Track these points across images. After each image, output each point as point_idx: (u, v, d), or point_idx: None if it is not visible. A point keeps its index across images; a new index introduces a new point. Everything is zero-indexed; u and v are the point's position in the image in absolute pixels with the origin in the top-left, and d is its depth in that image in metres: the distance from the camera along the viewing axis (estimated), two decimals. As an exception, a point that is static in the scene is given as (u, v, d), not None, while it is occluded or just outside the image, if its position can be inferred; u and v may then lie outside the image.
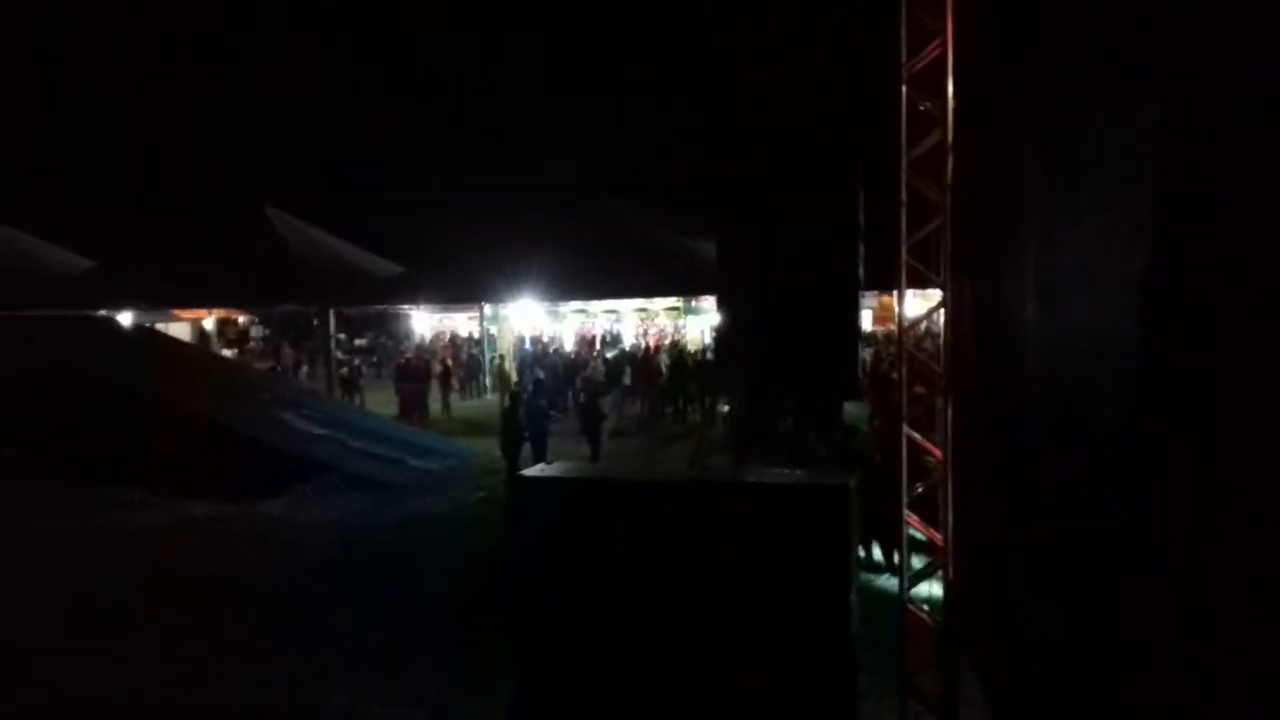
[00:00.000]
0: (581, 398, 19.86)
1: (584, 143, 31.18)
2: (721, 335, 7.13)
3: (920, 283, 6.50)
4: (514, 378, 23.97)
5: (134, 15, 36.62)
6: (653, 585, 5.41)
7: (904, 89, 6.38)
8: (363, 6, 37.16)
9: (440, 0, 36.16)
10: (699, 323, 31.23)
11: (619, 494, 5.72)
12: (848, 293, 6.33)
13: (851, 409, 12.78)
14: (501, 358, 28.08)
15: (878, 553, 10.78)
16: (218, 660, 8.53)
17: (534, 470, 6.22)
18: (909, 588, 6.67)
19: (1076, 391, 4.06)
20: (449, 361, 28.08)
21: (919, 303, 8.03)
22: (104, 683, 8.09)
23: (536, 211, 25.62)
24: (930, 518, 6.51)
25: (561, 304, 31.18)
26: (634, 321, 34.52)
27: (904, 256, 6.38)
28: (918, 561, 6.95)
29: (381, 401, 25.35)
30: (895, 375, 7.39)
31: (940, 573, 6.52)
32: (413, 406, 24.36)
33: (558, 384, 24.11)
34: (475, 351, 30.97)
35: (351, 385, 26.43)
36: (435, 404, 25.22)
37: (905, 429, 6.52)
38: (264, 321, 41.20)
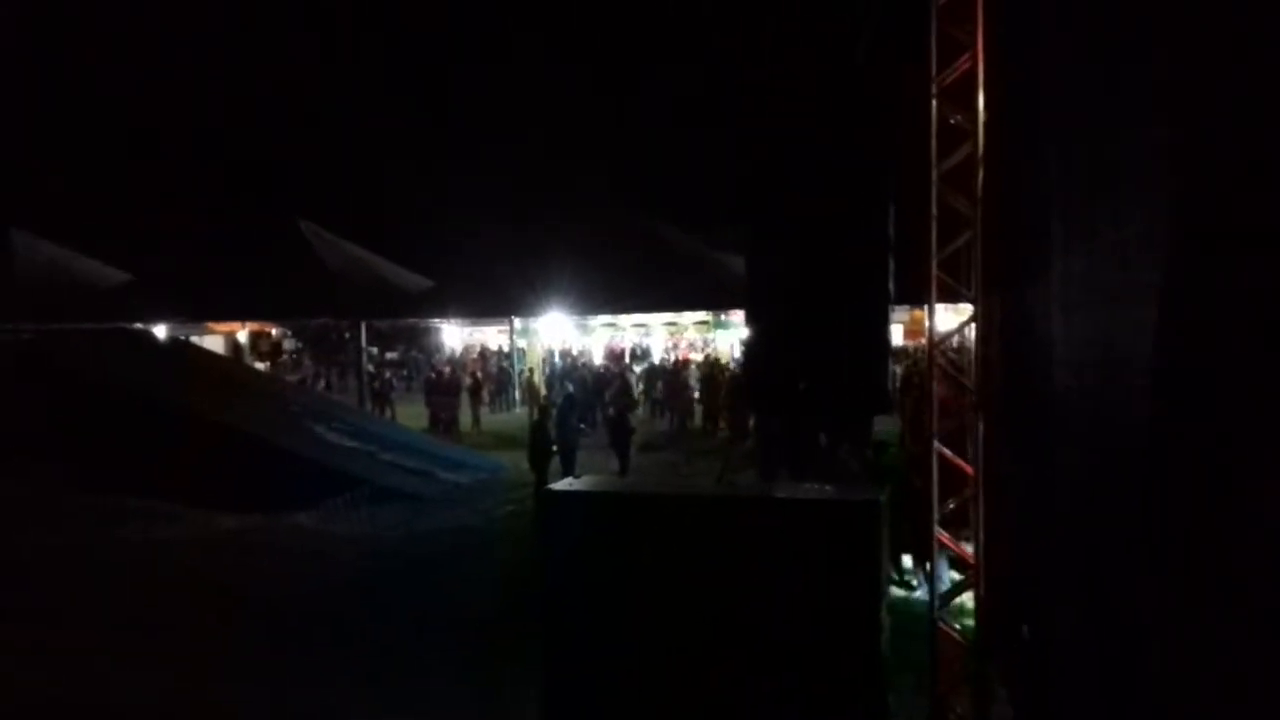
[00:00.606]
0: (610, 412, 19.86)
1: (613, 157, 31.27)
2: (751, 349, 7.11)
3: (951, 297, 6.46)
4: (543, 391, 24.03)
5: (166, 29, 37.17)
6: (681, 600, 5.38)
7: (934, 102, 6.36)
8: (396, 21, 37.49)
9: (467, 15, 36.39)
10: (728, 337, 31.19)
11: (647, 508, 5.70)
12: (878, 307, 6.30)
13: (883, 424, 12.68)
14: (531, 371, 28.17)
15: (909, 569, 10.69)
16: (247, 669, 8.57)
17: (562, 484, 6.22)
18: (940, 605, 6.60)
19: (1099, 405, 4.06)
20: (479, 375, 28.19)
21: (950, 317, 7.97)
22: (133, 688, 8.14)
23: (566, 225, 25.71)
24: (961, 534, 6.44)
25: (590, 318, 31.22)
26: (663, 335, 34.50)
27: (934, 270, 6.34)
28: (949, 578, 6.88)
29: (412, 415, 25.47)
30: (926, 390, 7.33)
31: (972, 590, 6.45)
32: (443, 420, 24.47)
33: (587, 398, 24.13)
34: (504, 365, 31.10)
35: (383, 398, 26.60)
36: (465, 417, 25.32)
37: (936, 445, 6.46)
38: (296, 334, 41.58)
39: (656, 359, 31.67)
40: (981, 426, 6.32)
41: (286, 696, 8.06)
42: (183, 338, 29.83)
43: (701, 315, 31.54)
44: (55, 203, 32.42)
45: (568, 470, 15.26)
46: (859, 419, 11.17)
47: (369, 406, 25.87)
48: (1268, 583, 2.49)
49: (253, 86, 37.23)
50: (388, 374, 30.42)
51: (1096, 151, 4.09)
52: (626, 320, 32.84)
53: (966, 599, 6.64)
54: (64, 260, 30.01)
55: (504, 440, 21.93)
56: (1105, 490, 3.92)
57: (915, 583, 10.47)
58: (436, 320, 34.15)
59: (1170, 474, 3.14)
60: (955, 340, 8.10)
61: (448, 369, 28.31)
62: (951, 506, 6.54)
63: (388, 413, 25.74)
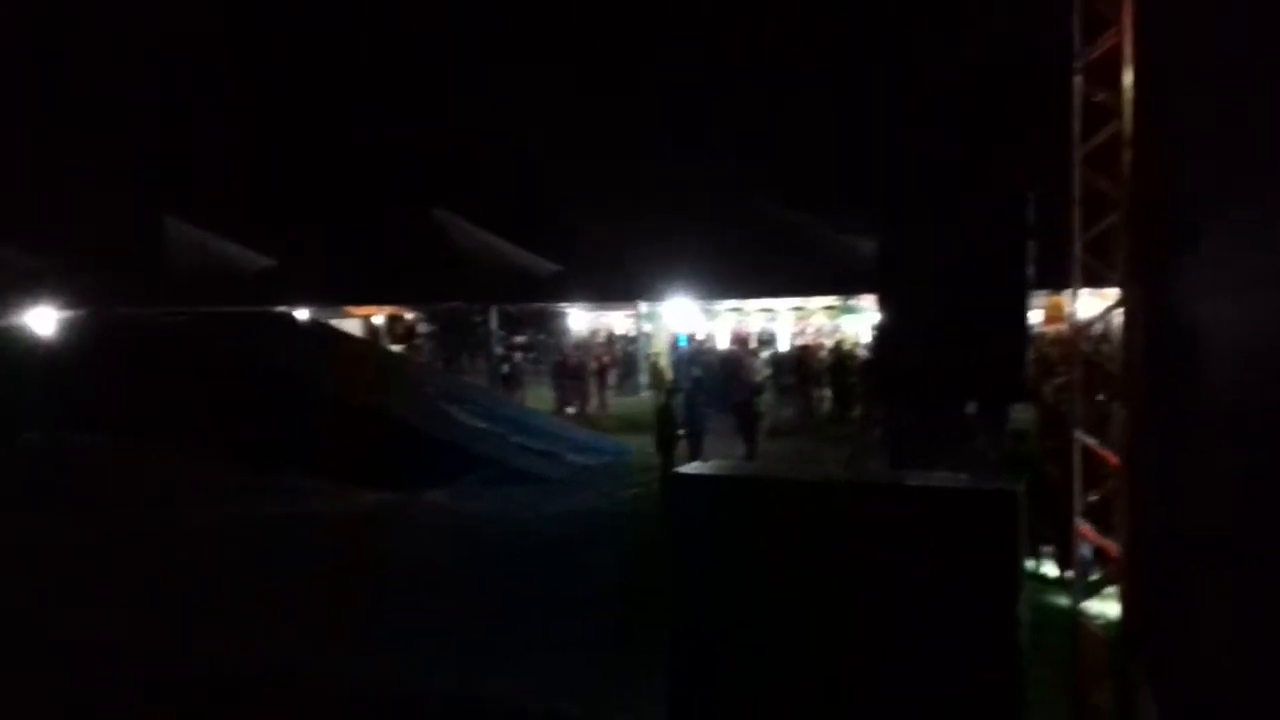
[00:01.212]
0: (738, 396, 19.81)
1: (741, 139, 31.11)
2: (882, 335, 6.98)
3: (1096, 281, 6.22)
4: (669, 375, 24.10)
5: (312, 21, 38.59)
6: (809, 588, 5.34)
7: (1077, 80, 6.12)
8: (526, 11, 38.05)
9: (598, 3, 36.66)
10: (856, 322, 30.64)
11: (776, 492, 5.67)
12: (1016, 292, 6.10)
13: (1021, 413, 12.31)
14: (657, 355, 28.28)
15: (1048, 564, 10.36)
16: (379, 641, 8.91)
17: (690, 467, 6.24)
18: (1081, 601, 6.39)
19: (1260, 396, 3.85)
20: (605, 359, 28.44)
21: (1095, 302, 7.67)
22: (293, 655, 8.57)
23: (692, 209, 25.70)
24: (1105, 527, 6.22)
25: (716, 303, 31.13)
26: (789, 320, 34.15)
27: (1078, 254, 6.12)
28: (1092, 574, 6.65)
29: (540, 398, 25.91)
30: (1067, 378, 7.09)
31: (1115, 585, 6.23)
32: (570, 403, 24.81)
33: (714, 383, 24.11)
34: (630, 349, 31.29)
35: (513, 381, 27.11)
36: (591, 401, 25.61)
37: (1078, 434, 6.24)
38: (430, 318, 42.71)
39: (783, 344, 31.38)
40: (1127, 416, 6.08)
41: (416, 668, 8.33)
42: (323, 321, 31.01)
43: (829, 300, 31.07)
44: (206, 191, 34.14)
45: (694, 455, 15.30)
46: (996, 407, 10.86)
47: (497, 389, 26.42)
48: None
49: (387, 77, 38.40)
50: (518, 357, 30.98)
51: (1250, 128, 3.87)
52: (752, 305, 32.59)
53: (1109, 593, 6.41)
54: (213, 246, 31.52)
55: (629, 424, 22.09)
56: (1267, 486, 3.72)
57: (1055, 577, 10.15)
58: (563, 304, 34.58)
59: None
60: (1099, 326, 7.81)
61: (575, 353, 28.68)
62: (1094, 498, 6.31)
63: (517, 395, 26.24)
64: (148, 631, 9.05)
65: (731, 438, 17.86)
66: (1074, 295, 6.32)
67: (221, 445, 15.57)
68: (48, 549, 11.50)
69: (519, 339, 38.73)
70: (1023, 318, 6.32)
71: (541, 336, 40.39)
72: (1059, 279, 6.50)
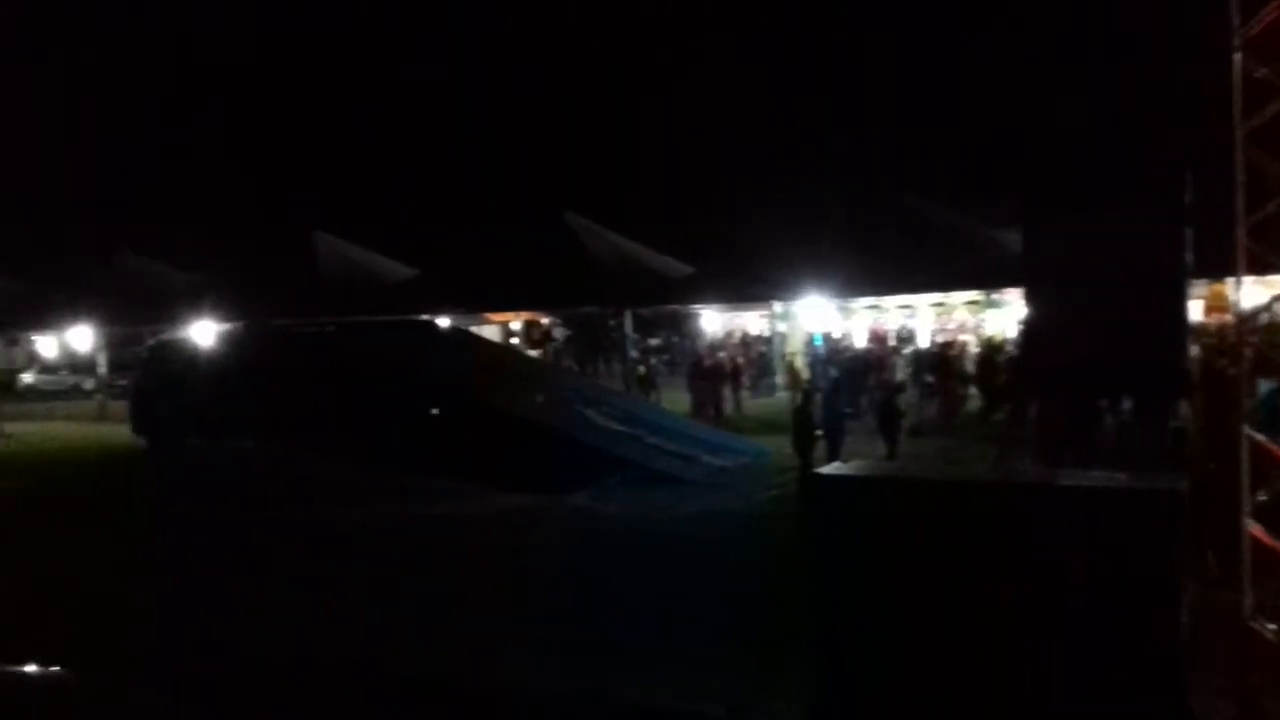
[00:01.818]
0: (878, 395, 19.46)
1: (878, 128, 30.60)
2: (1030, 330, 6.76)
3: (1260, 268, 5.87)
4: (805, 375, 23.85)
5: (443, 38, 39.81)
6: (958, 590, 5.22)
7: (1237, 56, 5.80)
8: (662, 17, 38.38)
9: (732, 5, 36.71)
10: (1000, 317, 29.67)
11: (919, 493, 5.57)
12: (1173, 281, 5.82)
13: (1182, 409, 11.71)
14: (792, 355, 28.03)
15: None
16: (518, 639, 9.10)
17: (830, 468, 6.18)
18: (1250, 604, 6.04)
19: None
20: (740, 360, 28.34)
21: (1259, 290, 7.25)
22: (442, 651, 8.85)
23: (826, 206, 25.37)
24: (1275, 527, 5.87)
25: (852, 300, 30.61)
26: (929, 317, 33.31)
27: (1242, 239, 5.79)
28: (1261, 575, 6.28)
29: (675, 400, 26.01)
30: (1232, 371, 6.72)
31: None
32: (706, 404, 24.82)
33: (853, 382, 23.75)
34: (764, 350, 31.05)
35: (648, 383, 27.28)
36: (727, 402, 25.56)
37: (1247, 430, 5.90)
38: (565, 323, 43.37)
39: (923, 341, 30.65)
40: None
41: (555, 666, 8.47)
42: (464, 327, 31.84)
43: (972, 295, 30.16)
44: (352, 206, 35.61)
45: (834, 455, 15.10)
46: (1155, 403, 10.34)
47: (633, 391, 26.60)
48: None
49: (519, 88, 39.26)
50: (653, 359, 31.15)
51: None
52: (891, 301, 31.92)
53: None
54: (359, 258, 32.74)
55: (765, 425, 21.96)
56: None
57: (1220, 579, 9.61)
58: (696, 306, 34.60)
59: None
60: (1264, 316, 7.38)
61: (709, 354, 28.65)
62: (1263, 498, 5.97)
63: (653, 397, 26.38)
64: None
65: (871, 438, 17.54)
66: (1237, 283, 5.98)
67: (370, 449, 16.20)
68: (230, 547, 12.47)
69: (653, 341, 38.97)
70: (1181, 308, 6.02)
71: (675, 339, 40.56)
72: (1220, 266, 6.16)
